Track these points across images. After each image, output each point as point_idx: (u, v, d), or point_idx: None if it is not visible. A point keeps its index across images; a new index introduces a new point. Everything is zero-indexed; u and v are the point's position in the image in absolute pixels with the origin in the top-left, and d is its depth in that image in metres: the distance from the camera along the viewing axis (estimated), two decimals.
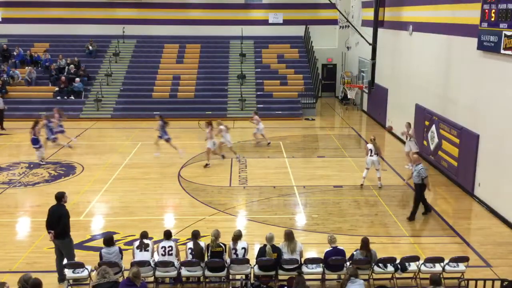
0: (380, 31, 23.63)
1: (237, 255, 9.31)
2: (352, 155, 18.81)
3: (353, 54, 29.83)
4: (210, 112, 25.50)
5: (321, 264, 9.36)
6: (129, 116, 25.12)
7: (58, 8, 30.23)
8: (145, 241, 9.34)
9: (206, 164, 17.13)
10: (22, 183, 15.51)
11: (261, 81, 28.05)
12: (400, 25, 21.20)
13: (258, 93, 27.29)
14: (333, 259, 9.19)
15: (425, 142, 17.83)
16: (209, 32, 30.91)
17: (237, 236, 9.44)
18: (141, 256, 9.16)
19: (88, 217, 12.95)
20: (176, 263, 9.21)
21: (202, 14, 31.04)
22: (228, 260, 9.30)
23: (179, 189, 15.10)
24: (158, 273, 9.20)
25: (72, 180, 15.88)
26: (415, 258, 9.51)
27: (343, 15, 27.37)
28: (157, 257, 9.29)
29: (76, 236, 11.44)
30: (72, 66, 27.22)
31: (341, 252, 9.34)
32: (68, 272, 9.14)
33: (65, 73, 26.83)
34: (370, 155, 15.04)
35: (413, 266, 9.48)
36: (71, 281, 9.25)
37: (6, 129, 22.81)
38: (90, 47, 29.28)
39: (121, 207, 13.64)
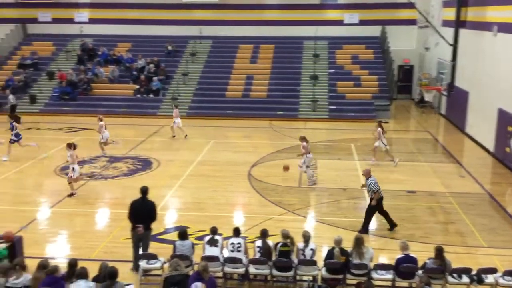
0: (462, 31, 22.62)
1: (304, 256, 9.28)
2: (427, 160, 18.14)
3: (431, 55, 28.74)
4: (282, 112, 25.61)
5: (391, 271, 9.12)
6: (203, 114, 25.76)
7: (139, 10, 31.59)
8: (215, 236, 9.55)
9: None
10: (102, 175, 16.37)
11: (334, 82, 27.75)
12: (484, 26, 20.16)
13: (331, 94, 27.03)
14: (404, 267, 8.93)
15: (507, 149, 16.85)
16: (283, 33, 31.00)
17: (306, 237, 9.41)
18: (211, 251, 9.38)
19: (162, 210, 13.41)
20: (245, 260, 9.35)
21: (277, 15, 31.18)
22: (296, 261, 9.30)
23: (249, 188, 15.29)
24: (226, 269, 9.37)
25: (148, 174, 16.54)
26: (493, 270, 9.02)
27: (422, 15, 26.45)
28: (226, 253, 9.48)
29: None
30: (151, 65, 28.35)
31: (413, 260, 9.04)
32: (142, 263, 9.53)
33: (144, 72, 27.99)
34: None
35: (490, 279, 8.99)
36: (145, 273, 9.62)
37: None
38: (169, 47, 30.33)
39: (193, 202, 14.04)
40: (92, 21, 32.14)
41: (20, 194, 14.68)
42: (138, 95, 27.11)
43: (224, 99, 26.90)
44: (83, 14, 32.22)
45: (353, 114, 25.53)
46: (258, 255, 9.36)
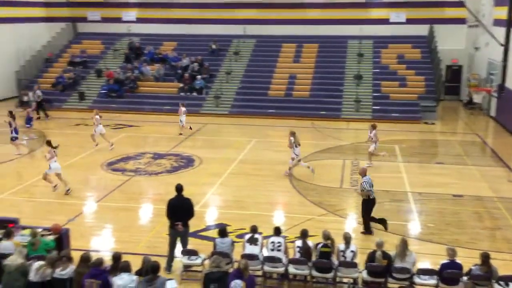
0: None
1: (345, 257, 9.18)
2: (475, 163, 17.58)
3: (481, 55, 27.78)
4: (324, 112, 25.40)
5: (435, 276, 8.89)
6: (245, 113, 25.87)
7: (185, 9, 32.05)
8: (255, 235, 9.59)
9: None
10: (146, 172, 16.71)
11: (378, 82, 27.29)
12: None
13: (375, 94, 26.59)
14: (448, 272, 8.68)
15: None
16: (326, 32, 30.74)
17: (347, 239, 9.31)
18: (251, 249, 9.42)
19: (203, 208, 13.59)
20: (284, 260, 9.33)
21: (321, 14, 30.93)
22: (336, 262, 9.21)
23: (290, 187, 15.25)
24: (266, 268, 9.38)
25: (190, 172, 16.77)
26: None
27: (472, 13, 25.63)
28: (266, 252, 9.49)
29: (191, 225, 12.06)
30: (195, 64, 28.71)
31: (458, 266, 8.78)
32: (183, 259, 9.67)
33: (188, 71, 28.38)
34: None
35: None
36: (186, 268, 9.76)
37: (50, 117, 24.80)
38: (213, 46, 30.63)
39: (233, 200, 14.13)
40: (139, 20, 32.85)
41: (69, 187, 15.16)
42: (182, 93, 27.53)
43: (266, 98, 26.93)
44: (131, 14, 33.00)
45: (397, 115, 25.02)
46: (297, 255, 9.33)
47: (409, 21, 30.17)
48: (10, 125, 18.41)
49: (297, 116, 25.02)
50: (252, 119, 25.10)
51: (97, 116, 19.37)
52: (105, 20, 33.27)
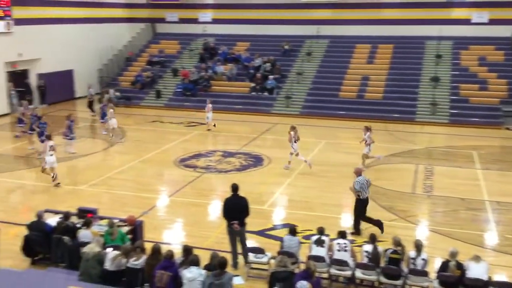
0: None
1: (415, 265, 8.90)
2: None
3: None
4: (398, 115, 24.71)
5: None
6: (315, 114, 25.73)
7: (259, 10, 32.34)
8: (322, 237, 9.52)
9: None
10: (217, 169, 17.07)
11: (456, 84, 26.15)
12: None
13: (453, 97, 25.51)
14: None
15: None
16: (403, 32, 29.83)
17: (418, 246, 9.01)
18: (317, 251, 9.37)
19: (271, 207, 13.68)
20: (351, 264, 9.20)
21: (397, 14, 30.07)
22: (406, 270, 8.95)
23: None
24: (332, 271, 9.29)
25: (259, 171, 16.93)
26: None
27: None
28: (333, 255, 9.40)
29: (258, 223, 12.25)
30: (268, 64, 28.93)
31: None
32: (250, 256, 9.80)
33: (260, 71, 28.65)
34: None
35: None
36: (252, 265, 9.89)
37: (94, 112, 25.41)
38: (286, 47, 30.71)
39: (301, 201, 14.10)
40: (215, 21, 33.57)
41: (142, 182, 15.81)
42: (254, 93, 27.83)
43: (338, 99, 26.61)
44: (207, 15, 33.81)
45: (477, 119, 23.85)
46: (365, 260, 9.16)
47: (492, 22, 28.61)
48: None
49: (369, 118, 24.51)
50: (322, 120, 24.91)
51: (111, 110, 20.47)
52: (182, 21, 34.32)
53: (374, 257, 9.12)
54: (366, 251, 9.21)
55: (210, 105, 22.52)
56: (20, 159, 17.98)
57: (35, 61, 27.39)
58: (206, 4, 33.88)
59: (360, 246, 9.83)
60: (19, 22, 25.54)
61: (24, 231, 10.43)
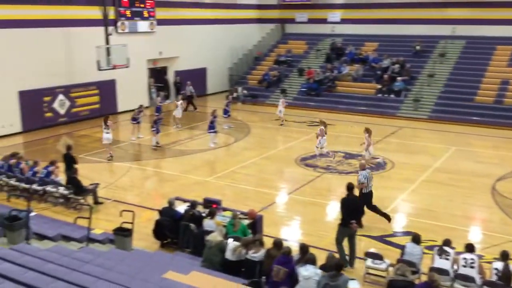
0: None
1: None
2: None
3: None
4: None
5: None
6: (446, 118, 24.32)
7: (388, 9, 31.37)
8: (447, 249, 9.02)
9: None
10: (337, 170, 16.96)
11: None
12: None
13: None
14: None
15: None
16: None
17: None
18: (441, 263, 8.89)
19: (392, 213, 13.23)
20: (478, 281, 8.58)
21: None
22: None
23: (491, 203, 13.89)
24: (456, 286, 8.75)
25: (381, 175, 16.48)
26: None
27: None
28: (458, 269, 8.86)
29: (378, 229, 11.97)
30: (396, 65, 27.98)
31: None
32: (368, 261, 9.62)
33: (388, 72, 27.80)
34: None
35: None
36: (369, 270, 9.70)
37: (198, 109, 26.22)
38: (417, 47, 29.44)
39: (425, 209, 13.47)
40: (343, 21, 33.27)
41: (264, 178, 16.27)
42: (380, 95, 27.11)
43: (472, 104, 24.84)
44: (336, 15, 33.62)
45: None
46: (494, 278, 8.50)
47: None
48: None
49: (507, 125, 22.56)
50: (453, 125, 23.46)
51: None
52: (311, 21, 34.52)
53: (505, 275, 8.41)
54: (496, 269, 8.54)
55: (283, 100, 23.87)
56: (157, 149, 19.46)
57: (173, 59, 29.48)
58: (335, 4, 33.70)
59: (489, 262, 9.14)
60: (161, 22, 27.66)
61: (156, 216, 11.35)
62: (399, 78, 27.03)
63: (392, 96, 26.81)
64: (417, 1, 30.60)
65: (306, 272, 7.81)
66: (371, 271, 9.65)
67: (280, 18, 35.61)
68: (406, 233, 11.51)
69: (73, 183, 13.22)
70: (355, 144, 20.13)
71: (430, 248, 10.17)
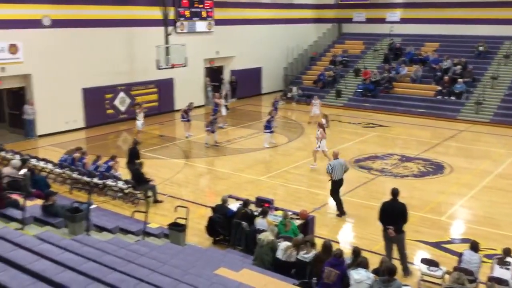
0: None
1: None
2: None
3: None
4: None
5: None
6: (509, 122, 23.26)
7: (450, 9, 30.29)
8: (508, 259, 8.64)
9: None
10: (392, 173, 16.60)
11: None
12: None
13: None
14: None
15: None
16: None
17: None
18: (501, 273, 8.53)
19: (449, 219, 12.85)
20: None
21: None
22: None
23: None
24: None
25: (438, 179, 15.99)
26: None
27: None
28: None
29: (435, 235, 11.65)
30: (458, 67, 27.00)
31: None
32: (422, 267, 9.37)
33: (449, 74, 26.88)
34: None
35: None
36: (424, 277, 9.44)
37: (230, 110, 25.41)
38: (480, 48, 28.30)
39: (485, 217, 12.94)
40: (403, 20, 32.46)
41: (316, 178, 16.14)
42: (439, 97, 26.26)
43: None
44: (395, 14, 32.86)
45: None
46: None
47: None
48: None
49: None
50: None
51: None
52: (369, 20, 33.93)
53: None
54: None
55: (318, 101, 24.15)
56: (210, 147, 19.78)
57: (230, 58, 29.82)
58: (395, 3, 32.94)
59: None
60: (219, 22, 28.06)
61: (209, 213, 11.56)
62: (460, 80, 26.07)
63: (452, 98, 25.90)
64: (481, 1, 29.38)
65: (358, 275, 7.71)
66: (426, 278, 9.39)
67: (337, 18, 35.21)
68: (464, 240, 11.11)
69: (137, 175, 13.64)
70: (413, 147, 19.69)
71: (489, 256, 9.77)
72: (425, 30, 31.38)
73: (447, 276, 8.76)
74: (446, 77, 26.52)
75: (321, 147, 17.00)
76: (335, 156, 13.38)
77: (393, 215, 9.80)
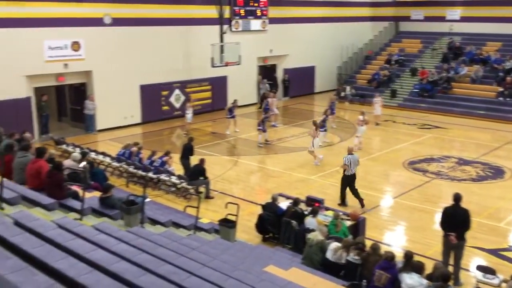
0: None
1: None
2: None
3: None
4: None
5: None
6: None
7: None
8: None
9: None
10: (449, 176, 16.07)
11: None
12: None
13: None
14: None
15: None
16: None
17: None
18: None
19: (508, 225, 12.32)
20: None
21: None
22: None
23: None
24: None
25: (498, 184, 15.35)
26: None
27: None
28: None
29: (492, 241, 11.21)
30: None
31: None
32: (478, 275, 9.03)
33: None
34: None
35: None
36: (480, 285, 9.11)
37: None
38: None
39: None
40: (463, 19, 31.30)
41: (369, 179, 15.86)
42: (501, 98, 25.15)
43: None
44: (455, 12, 31.71)
45: None
46: None
47: None
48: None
49: None
50: None
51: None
52: (428, 19, 32.93)
53: None
54: None
55: (381, 99, 23.93)
56: (263, 146, 19.85)
57: (283, 57, 29.81)
58: (455, 1, 31.80)
59: None
60: (273, 21, 28.09)
61: (259, 210, 11.62)
62: None
63: None
64: None
65: (411, 280, 7.53)
66: (481, 286, 9.05)
67: (394, 16, 34.43)
68: None
69: (198, 171, 13.93)
70: (471, 150, 19.00)
71: None
72: (486, 29, 30.10)
73: (504, 285, 8.41)
74: (508, 78, 25.36)
75: (313, 146, 17.07)
76: (350, 152, 13.58)
77: (455, 221, 9.46)
